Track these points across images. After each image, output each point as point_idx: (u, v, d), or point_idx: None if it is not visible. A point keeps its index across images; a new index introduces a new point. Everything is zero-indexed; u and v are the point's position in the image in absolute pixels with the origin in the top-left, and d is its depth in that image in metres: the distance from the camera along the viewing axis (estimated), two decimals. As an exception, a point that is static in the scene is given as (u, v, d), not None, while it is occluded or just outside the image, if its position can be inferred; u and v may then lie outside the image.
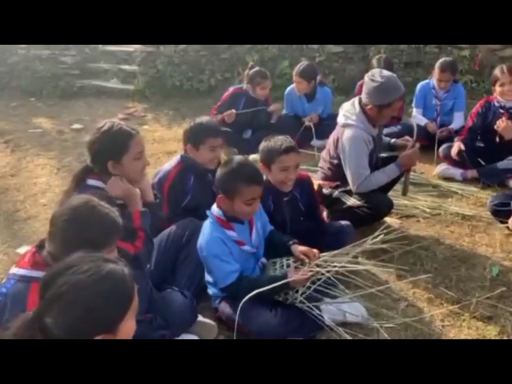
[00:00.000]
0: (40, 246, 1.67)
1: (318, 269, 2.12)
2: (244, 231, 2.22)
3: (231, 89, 4.53)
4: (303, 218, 2.66)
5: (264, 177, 2.43)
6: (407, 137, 3.02)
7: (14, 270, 1.66)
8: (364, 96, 2.75)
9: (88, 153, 2.12)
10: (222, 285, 2.14)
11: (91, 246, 1.34)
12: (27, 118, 5.91)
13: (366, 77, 2.76)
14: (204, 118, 2.74)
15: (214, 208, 2.20)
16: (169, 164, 2.73)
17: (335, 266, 2.13)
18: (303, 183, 2.60)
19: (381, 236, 2.27)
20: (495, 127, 3.45)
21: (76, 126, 5.50)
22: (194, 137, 2.63)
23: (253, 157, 3.67)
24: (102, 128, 2.09)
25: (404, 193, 2.98)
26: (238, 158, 2.22)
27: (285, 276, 2.09)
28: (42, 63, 6.96)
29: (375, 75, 2.68)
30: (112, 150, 2.06)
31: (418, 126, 3.94)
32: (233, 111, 4.28)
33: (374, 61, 4.27)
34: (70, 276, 1.15)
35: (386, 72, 2.72)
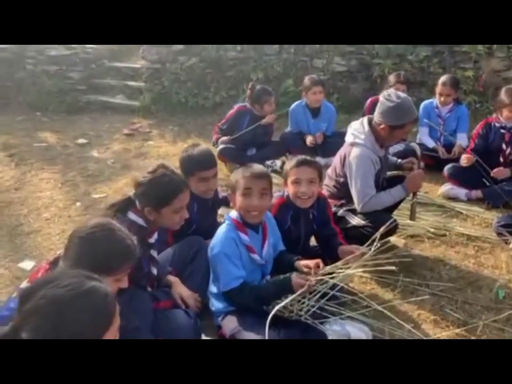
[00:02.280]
0: (54, 263, 1.66)
1: (321, 277, 2.11)
2: (257, 241, 2.24)
3: (235, 107, 4.54)
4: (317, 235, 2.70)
5: (286, 193, 2.53)
6: (412, 159, 3.02)
7: (26, 285, 1.65)
8: (377, 115, 2.77)
9: (134, 188, 2.12)
10: (224, 288, 2.13)
11: (101, 268, 1.32)
12: (32, 132, 5.95)
13: (381, 97, 2.78)
14: (197, 148, 2.65)
15: (233, 211, 2.25)
16: None
17: (339, 273, 2.12)
18: (320, 202, 2.61)
19: (376, 249, 2.26)
20: (491, 174, 3.48)
21: (81, 140, 5.52)
22: (184, 168, 2.60)
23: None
24: (152, 174, 2.07)
25: (412, 218, 2.95)
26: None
27: (288, 278, 2.09)
28: (49, 78, 7.04)
29: (391, 95, 2.71)
30: (154, 200, 2.04)
31: (425, 147, 3.98)
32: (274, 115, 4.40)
33: (392, 77, 4.33)
34: (49, 290, 1.13)
35: (402, 94, 2.75)
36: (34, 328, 1.10)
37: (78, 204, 3.88)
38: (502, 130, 3.61)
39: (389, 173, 3.03)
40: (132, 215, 2.06)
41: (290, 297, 2.04)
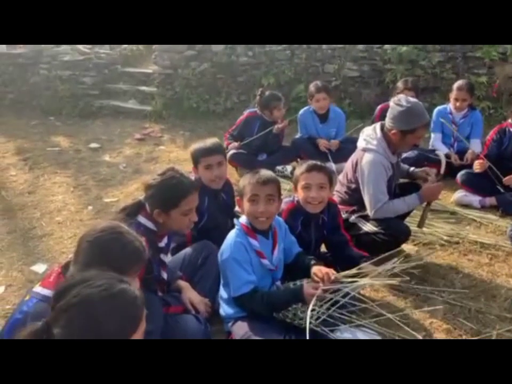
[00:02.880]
0: (66, 267, 1.68)
1: (331, 286, 2.09)
2: (267, 246, 2.23)
3: (245, 113, 4.55)
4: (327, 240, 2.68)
5: (296, 198, 2.54)
6: (427, 169, 2.98)
7: (38, 289, 1.67)
8: (388, 120, 2.76)
9: (144, 191, 2.14)
10: (235, 294, 2.12)
11: (111, 271, 1.33)
12: (46, 136, 6.03)
13: (392, 102, 2.77)
14: (204, 140, 2.84)
15: (243, 217, 2.25)
16: None
17: (349, 283, 2.10)
18: (330, 208, 2.60)
19: (397, 263, 2.24)
20: (503, 181, 3.46)
21: (93, 145, 5.58)
22: (192, 158, 2.76)
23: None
24: (161, 176, 2.10)
25: (420, 226, 2.92)
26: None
27: (300, 287, 2.08)
28: (63, 83, 7.13)
29: (401, 100, 2.70)
30: (162, 202, 2.06)
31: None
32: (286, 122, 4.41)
33: (400, 83, 4.27)
34: (82, 289, 1.17)
35: (412, 99, 2.74)
36: (66, 325, 1.13)
37: (90, 207, 3.91)
38: None
39: (402, 180, 3.01)
40: (141, 219, 2.07)
41: (309, 308, 2.00)
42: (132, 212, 2.07)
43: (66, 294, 1.17)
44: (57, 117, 6.87)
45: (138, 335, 1.21)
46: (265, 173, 2.23)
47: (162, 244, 2.15)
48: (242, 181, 2.24)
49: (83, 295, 1.15)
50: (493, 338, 2.22)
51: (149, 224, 2.07)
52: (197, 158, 2.72)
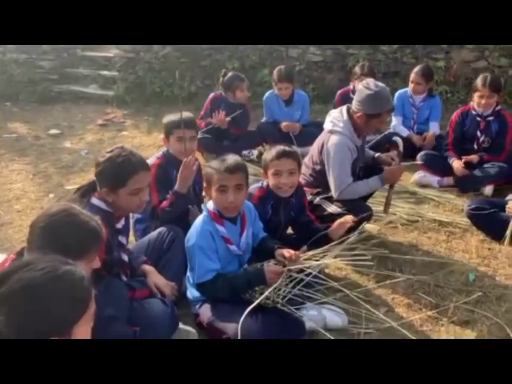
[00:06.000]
0: (21, 254, 1.63)
1: (295, 266, 2.14)
2: (235, 232, 2.23)
3: (211, 95, 4.53)
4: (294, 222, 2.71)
5: (265, 183, 2.56)
6: (391, 154, 3.05)
7: None
8: (354, 103, 2.80)
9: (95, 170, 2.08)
10: (198, 280, 2.13)
11: (68, 255, 1.30)
12: (2, 123, 5.80)
13: (361, 85, 2.83)
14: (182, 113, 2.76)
15: (210, 203, 2.23)
16: (151, 158, 2.74)
17: (309, 266, 2.15)
18: (297, 190, 2.63)
19: (356, 237, 2.32)
20: (463, 159, 3.61)
21: (53, 131, 5.41)
22: (165, 129, 2.77)
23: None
24: (108, 154, 2.03)
25: (385, 210, 2.99)
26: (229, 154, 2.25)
27: (261, 268, 2.11)
28: (19, 67, 6.84)
29: (370, 84, 2.75)
30: (109, 180, 1.99)
31: (399, 136, 4.04)
32: (226, 118, 4.27)
33: (357, 68, 4.33)
34: (25, 273, 1.12)
35: (381, 84, 2.78)
36: (10, 312, 1.08)
37: (51, 195, 3.80)
38: (478, 118, 3.71)
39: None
40: (94, 200, 2.01)
41: (271, 288, 2.05)
42: (85, 192, 2.01)
43: (7, 280, 1.11)
44: (14, 102, 6.60)
45: (89, 316, 1.18)
46: (232, 160, 2.15)
47: (119, 225, 2.10)
48: (209, 168, 2.18)
49: (26, 279, 1.10)
50: (450, 310, 2.33)
51: (103, 205, 2.01)
52: (170, 129, 2.72)
